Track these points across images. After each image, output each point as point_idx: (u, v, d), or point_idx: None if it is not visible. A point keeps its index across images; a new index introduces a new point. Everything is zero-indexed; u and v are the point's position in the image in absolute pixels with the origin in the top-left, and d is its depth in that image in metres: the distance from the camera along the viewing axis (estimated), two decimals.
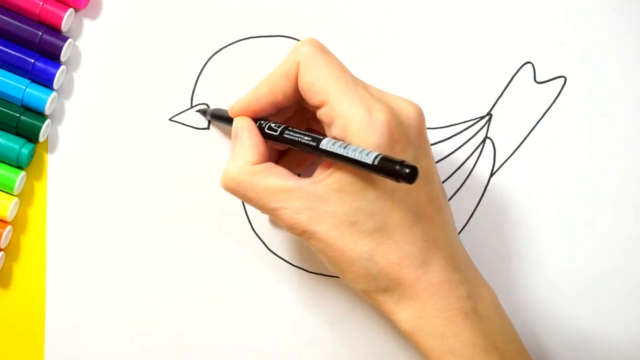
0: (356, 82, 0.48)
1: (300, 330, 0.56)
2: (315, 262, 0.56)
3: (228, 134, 0.55)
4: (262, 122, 0.50)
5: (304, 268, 0.56)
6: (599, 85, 0.56)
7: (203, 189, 0.56)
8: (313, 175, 0.48)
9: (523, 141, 0.56)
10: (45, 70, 0.54)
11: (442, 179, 0.55)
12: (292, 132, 0.49)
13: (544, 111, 0.56)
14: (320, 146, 0.46)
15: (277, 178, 0.48)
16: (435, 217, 0.48)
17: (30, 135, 0.55)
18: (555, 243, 0.56)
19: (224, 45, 0.56)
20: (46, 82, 0.55)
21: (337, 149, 0.46)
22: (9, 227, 0.55)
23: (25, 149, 0.54)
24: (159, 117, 0.56)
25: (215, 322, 0.56)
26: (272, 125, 0.50)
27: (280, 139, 0.49)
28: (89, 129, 0.56)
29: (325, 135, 0.47)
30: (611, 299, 0.56)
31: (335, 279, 0.56)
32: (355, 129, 0.46)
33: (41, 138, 0.55)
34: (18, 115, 0.54)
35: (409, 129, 0.47)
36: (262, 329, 0.56)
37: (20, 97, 0.54)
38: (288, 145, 0.49)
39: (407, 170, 0.42)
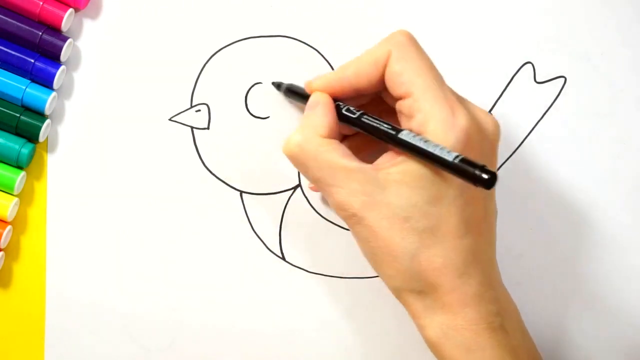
0: (443, 82, 0.47)
1: (299, 330, 0.56)
2: (315, 263, 0.56)
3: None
4: (340, 103, 0.50)
5: (304, 268, 0.56)
6: (599, 85, 0.56)
7: (203, 189, 0.56)
8: (375, 162, 0.47)
9: (523, 141, 0.56)
10: (45, 70, 0.54)
11: None
12: (370, 118, 0.48)
13: (544, 111, 0.56)
14: (399, 136, 0.45)
15: (341, 156, 0.47)
16: (485, 233, 0.48)
17: (30, 135, 0.55)
18: (555, 243, 0.56)
19: (224, 45, 0.56)
20: (46, 82, 0.55)
21: (417, 141, 0.44)
22: (9, 227, 0.55)
23: (25, 149, 0.54)
24: (159, 117, 0.56)
25: (215, 322, 0.56)
26: (351, 108, 0.49)
27: (357, 122, 0.48)
28: (89, 129, 0.56)
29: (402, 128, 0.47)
30: (611, 299, 0.56)
31: (335, 280, 0.56)
32: (434, 126, 0.45)
33: (41, 138, 0.55)
34: (18, 115, 0.54)
35: (484, 140, 0.47)
36: (262, 329, 0.56)
37: (20, 97, 0.54)
38: (360, 130, 0.48)
39: (487, 176, 0.41)
